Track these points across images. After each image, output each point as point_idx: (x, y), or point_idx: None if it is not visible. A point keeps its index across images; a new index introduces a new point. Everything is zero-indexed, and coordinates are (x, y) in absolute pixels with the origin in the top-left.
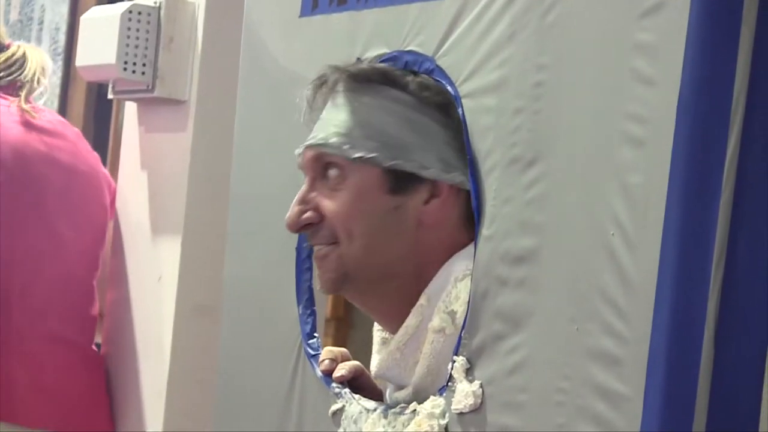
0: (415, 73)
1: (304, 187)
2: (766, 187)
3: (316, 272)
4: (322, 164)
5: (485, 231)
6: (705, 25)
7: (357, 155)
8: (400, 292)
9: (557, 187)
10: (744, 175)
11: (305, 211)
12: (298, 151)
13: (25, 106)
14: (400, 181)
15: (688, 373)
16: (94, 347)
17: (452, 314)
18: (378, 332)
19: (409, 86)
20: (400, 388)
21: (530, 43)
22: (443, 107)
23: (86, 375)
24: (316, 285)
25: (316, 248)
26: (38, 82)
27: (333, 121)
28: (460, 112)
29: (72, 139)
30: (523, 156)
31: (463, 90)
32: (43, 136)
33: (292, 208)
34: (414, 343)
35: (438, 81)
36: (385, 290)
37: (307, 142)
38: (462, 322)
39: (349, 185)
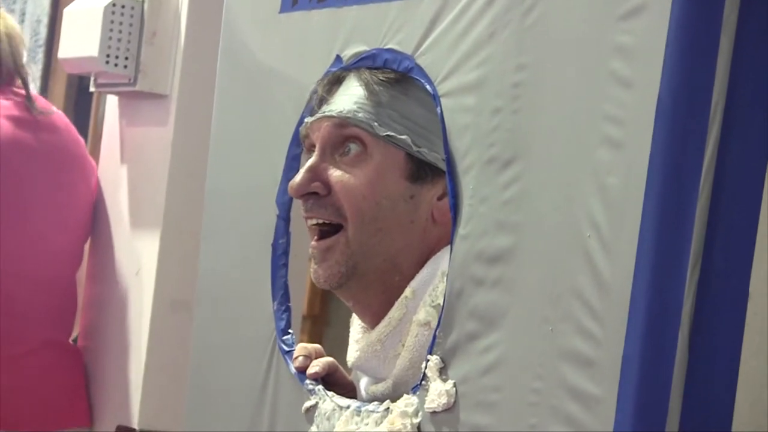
0: None
1: (314, 158)
2: (743, 191)
3: (312, 267)
4: (342, 137)
5: (461, 230)
6: (685, 29)
7: (386, 133)
8: (399, 288)
9: (534, 188)
10: (721, 179)
11: (314, 180)
12: (309, 119)
13: (37, 108)
14: (421, 171)
15: (661, 375)
16: (71, 343)
17: (438, 308)
18: (357, 323)
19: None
20: (376, 381)
21: (510, 43)
22: None
23: (66, 372)
24: (317, 280)
25: (316, 242)
26: (21, 65)
27: (355, 98)
28: (439, 111)
29: (62, 129)
30: (500, 156)
31: (441, 89)
32: (35, 131)
33: (301, 174)
34: (396, 335)
35: (417, 79)
36: (387, 285)
37: (327, 113)
38: None
39: (370, 163)
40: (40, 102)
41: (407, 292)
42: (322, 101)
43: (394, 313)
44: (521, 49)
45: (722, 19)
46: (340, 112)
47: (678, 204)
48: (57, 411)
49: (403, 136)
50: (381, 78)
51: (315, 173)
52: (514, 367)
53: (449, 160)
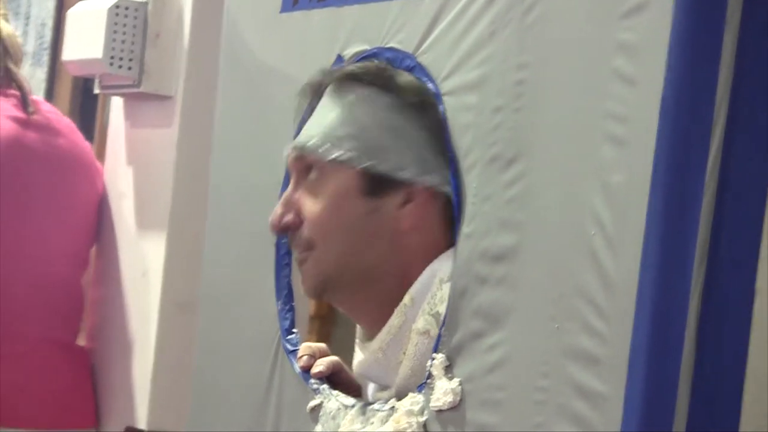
0: (394, 72)
1: (288, 188)
2: (749, 188)
3: (300, 276)
4: (303, 166)
5: (465, 228)
6: (688, 26)
7: (333, 156)
8: (383, 295)
9: (538, 186)
10: (726, 175)
11: (288, 213)
12: (285, 152)
13: (30, 108)
14: (376, 184)
15: (668, 372)
16: (78, 344)
17: (437, 316)
18: (361, 331)
19: (389, 86)
20: (383, 387)
21: (511, 41)
22: (421, 108)
23: (71, 373)
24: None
25: (294, 253)
26: (17, 60)
27: (318, 122)
28: (441, 110)
29: (66, 133)
30: (503, 154)
31: (443, 87)
32: (36, 133)
33: (276, 210)
34: (397, 343)
35: (419, 78)
36: (368, 294)
37: (291, 145)
38: None
39: (327, 188)
40: (43, 105)
41: (406, 299)
42: (305, 119)
43: (394, 320)
44: (523, 47)
45: (726, 14)
46: (297, 143)
47: (683, 201)
48: (62, 411)
49: (348, 155)
50: (342, 84)
51: (288, 205)
52: (520, 366)
53: (452, 159)
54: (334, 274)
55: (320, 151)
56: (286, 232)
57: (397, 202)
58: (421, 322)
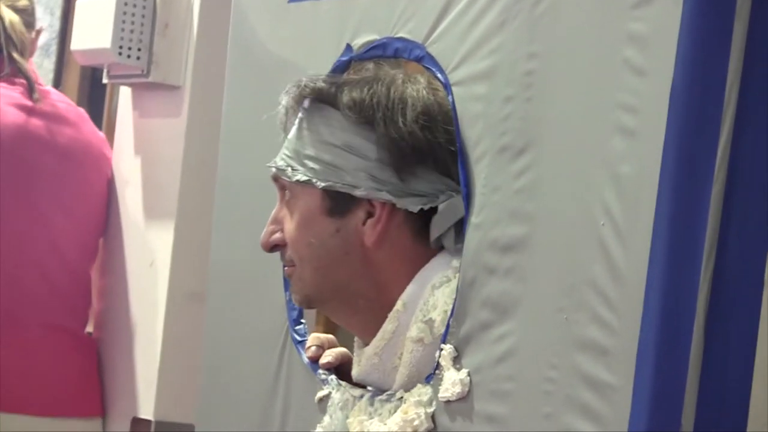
0: (345, 87)
1: (276, 206)
2: (758, 179)
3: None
4: (280, 186)
5: (474, 219)
6: (698, 16)
7: (296, 178)
8: (367, 308)
9: (547, 176)
10: (736, 166)
11: (275, 232)
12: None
13: (36, 96)
14: (338, 203)
15: (677, 364)
16: (86, 333)
17: (430, 323)
18: (357, 339)
19: (339, 106)
20: (383, 392)
21: (521, 31)
22: (370, 124)
23: (78, 361)
24: None
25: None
26: (22, 51)
27: (288, 143)
28: (450, 100)
29: (75, 122)
30: (513, 144)
31: (453, 77)
32: (42, 121)
33: (265, 228)
34: (391, 348)
35: (428, 68)
36: (353, 308)
37: (270, 163)
38: (440, 331)
39: (298, 208)
40: (53, 95)
41: (398, 305)
42: (287, 117)
43: (387, 326)
44: (533, 37)
45: (735, 4)
46: (272, 163)
47: (692, 192)
48: (69, 399)
49: (307, 177)
50: (308, 102)
51: (276, 223)
52: (528, 356)
53: (461, 149)
54: (312, 291)
55: (286, 172)
56: (275, 250)
57: (359, 220)
58: (414, 330)
